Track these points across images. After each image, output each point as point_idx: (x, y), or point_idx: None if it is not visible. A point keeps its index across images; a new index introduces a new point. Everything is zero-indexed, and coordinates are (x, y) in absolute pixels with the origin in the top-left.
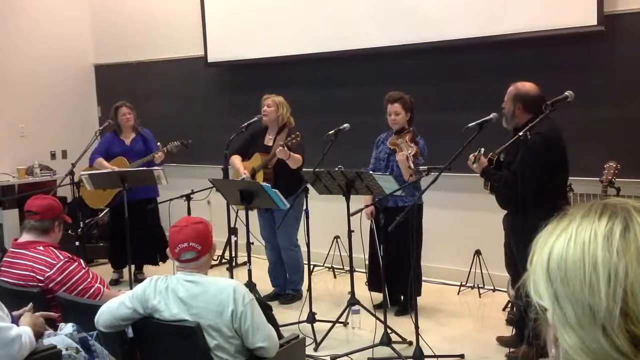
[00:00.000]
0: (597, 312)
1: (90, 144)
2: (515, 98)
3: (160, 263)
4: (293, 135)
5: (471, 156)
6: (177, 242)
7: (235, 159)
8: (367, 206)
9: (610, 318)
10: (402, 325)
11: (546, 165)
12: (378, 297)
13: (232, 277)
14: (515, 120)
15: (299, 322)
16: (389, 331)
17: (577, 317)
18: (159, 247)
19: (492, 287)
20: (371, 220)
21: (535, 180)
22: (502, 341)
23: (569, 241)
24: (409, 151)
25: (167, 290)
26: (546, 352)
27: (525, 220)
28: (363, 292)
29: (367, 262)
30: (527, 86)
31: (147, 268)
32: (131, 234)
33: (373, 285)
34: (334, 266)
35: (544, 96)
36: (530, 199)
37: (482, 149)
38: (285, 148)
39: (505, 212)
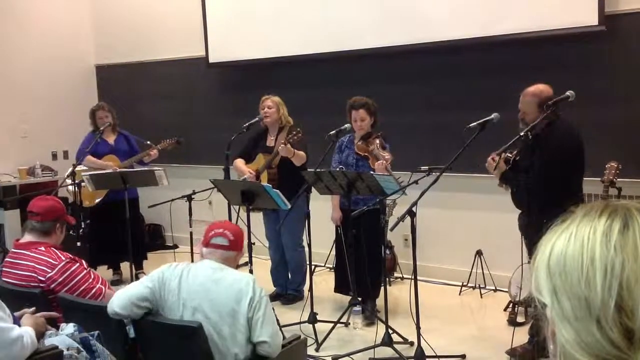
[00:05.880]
0: (592, 305)
1: (92, 144)
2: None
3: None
4: (294, 132)
5: (491, 160)
6: (214, 227)
7: (239, 162)
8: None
9: (605, 311)
10: (403, 325)
11: (563, 166)
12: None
13: None
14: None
15: (300, 323)
16: (390, 331)
17: (573, 310)
18: (141, 246)
19: (494, 287)
20: (340, 225)
21: (553, 180)
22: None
23: (569, 238)
24: (386, 157)
25: (185, 274)
26: (547, 352)
27: (542, 218)
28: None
29: (334, 266)
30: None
31: (148, 268)
32: (114, 233)
33: (340, 288)
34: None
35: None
36: (547, 199)
37: (503, 154)
38: (288, 145)
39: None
